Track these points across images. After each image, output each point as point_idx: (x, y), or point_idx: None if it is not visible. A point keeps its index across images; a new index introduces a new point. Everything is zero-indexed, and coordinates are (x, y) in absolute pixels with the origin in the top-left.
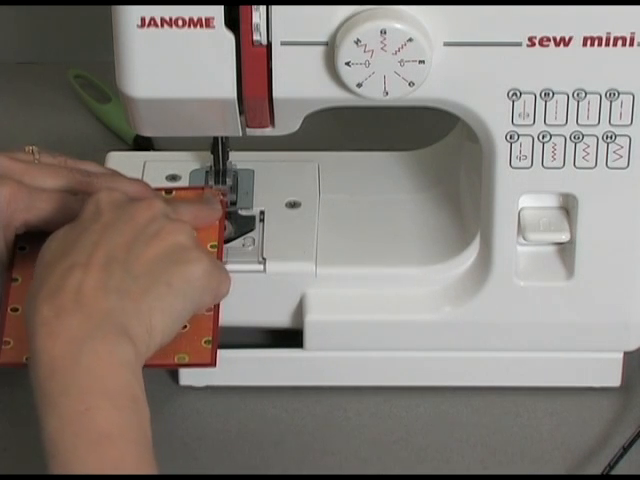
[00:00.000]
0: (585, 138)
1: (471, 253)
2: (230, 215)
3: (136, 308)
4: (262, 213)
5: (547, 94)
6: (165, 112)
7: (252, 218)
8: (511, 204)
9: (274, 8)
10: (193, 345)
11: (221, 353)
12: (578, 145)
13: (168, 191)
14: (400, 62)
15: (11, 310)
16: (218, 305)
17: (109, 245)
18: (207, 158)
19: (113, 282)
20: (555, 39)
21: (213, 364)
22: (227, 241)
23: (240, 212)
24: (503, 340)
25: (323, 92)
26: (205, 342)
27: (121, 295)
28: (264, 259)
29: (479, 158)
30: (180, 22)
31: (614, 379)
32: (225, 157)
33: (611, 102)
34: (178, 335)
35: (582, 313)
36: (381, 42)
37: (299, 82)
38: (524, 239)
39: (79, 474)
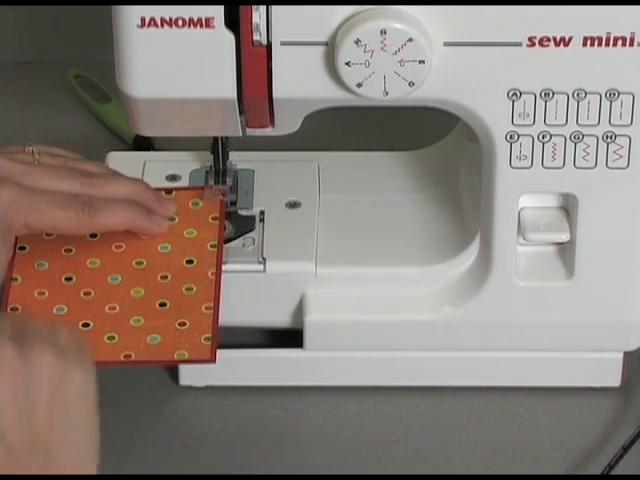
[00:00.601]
0: (585, 138)
1: (471, 253)
2: (230, 215)
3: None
4: (262, 213)
5: (547, 94)
6: (165, 112)
7: (252, 218)
8: (511, 204)
9: (274, 8)
10: (193, 342)
11: (221, 353)
12: (578, 145)
13: (168, 191)
14: (400, 62)
15: (11, 309)
16: (218, 303)
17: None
18: (207, 158)
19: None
20: (555, 39)
21: (213, 360)
22: (227, 241)
23: (240, 212)
24: (503, 340)
25: (323, 92)
26: (204, 339)
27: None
28: (264, 259)
29: (479, 158)
30: (180, 22)
31: (614, 379)
32: (225, 157)
33: (611, 102)
34: (178, 333)
35: (582, 313)
36: (381, 42)
37: (299, 82)
38: (524, 239)
39: (80, 474)
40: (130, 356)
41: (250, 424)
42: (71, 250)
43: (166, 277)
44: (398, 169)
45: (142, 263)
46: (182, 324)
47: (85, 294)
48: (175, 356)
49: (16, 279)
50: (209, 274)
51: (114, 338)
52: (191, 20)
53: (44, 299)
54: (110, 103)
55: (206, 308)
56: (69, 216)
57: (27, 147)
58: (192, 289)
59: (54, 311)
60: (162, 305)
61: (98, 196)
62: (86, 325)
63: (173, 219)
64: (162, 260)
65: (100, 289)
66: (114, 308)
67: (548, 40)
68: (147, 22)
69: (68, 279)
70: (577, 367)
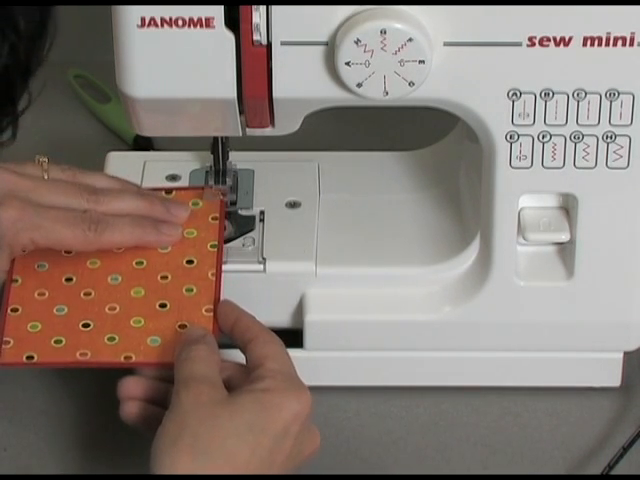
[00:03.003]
0: (585, 138)
1: (471, 253)
2: (230, 215)
3: None
4: (262, 213)
5: (547, 94)
6: (165, 112)
7: (252, 218)
8: (511, 204)
9: (274, 8)
10: None
11: (221, 353)
12: (578, 145)
13: (168, 191)
14: (400, 62)
15: (11, 311)
16: (218, 305)
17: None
18: (207, 158)
19: None
20: (555, 39)
21: None
22: (227, 241)
23: (240, 212)
24: (503, 340)
25: (323, 92)
26: None
27: None
28: (264, 259)
29: (479, 158)
30: (180, 22)
31: (614, 379)
32: (225, 157)
33: (611, 102)
34: (178, 335)
35: (582, 313)
36: (381, 42)
37: (299, 82)
38: (524, 239)
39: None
40: (130, 358)
41: None
42: (71, 251)
43: (166, 277)
44: (398, 169)
45: (142, 263)
46: (182, 326)
47: (85, 294)
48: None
49: (16, 280)
50: (209, 274)
51: (114, 339)
52: (191, 20)
53: (44, 299)
54: (110, 103)
55: (206, 310)
56: (75, 234)
57: (37, 158)
58: (192, 290)
59: (54, 311)
60: (162, 306)
61: (106, 212)
62: (86, 325)
63: None
64: (162, 260)
65: (100, 289)
66: (114, 308)
67: (548, 40)
68: (147, 22)
69: (68, 280)
70: (577, 367)
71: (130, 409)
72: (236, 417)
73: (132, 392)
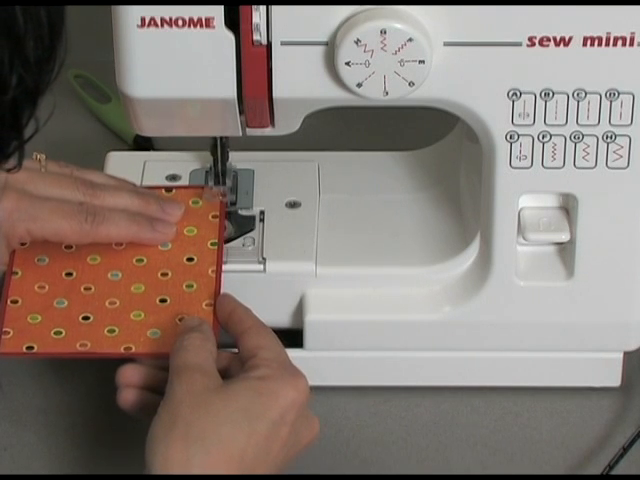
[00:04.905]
0: (585, 138)
1: (471, 253)
2: (230, 215)
3: None
4: (262, 213)
5: (547, 94)
6: (165, 112)
7: (252, 218)
8: (511, 204)
9: (274, 8)
10: None
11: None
12: (578, 145)
13: (168, 189)
14: (400, 62)
15: (11, 302)
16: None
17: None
18: (207, 158)
19: None
20: (555, 39)
21: None
22: (227, 241)
23: (240, 212)
24: (503, 340)
25: (323, 92)
26: None
27: None
28: (264, 259)
29: (479, 158)
30: (180, 22)
31: (614, 379)
32: (225, 157)
33: (611, 102)
34: (178, 327)
35: (582, 313)
36: (381, 42)
37: (299, 82)
38: (524, 239)
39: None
40: (130, 348)
41: None
42: (71, 246)
43: (166, 274)
44: (398, 169)
45: (142, 260)
46: (182, 319)
47: (85, 289)
48: None
49: (16, 273)
50: (209, 272)
51: (114, 331)
52: (191, 20)
53: (44, 293)
54: (110, 103)
55: (206, 305)
56: (71, 225)
57: (35, 154)
58: (192, 286)
59: (54, 304)
60: (162, 301)
61: (101, 206)
62: (86, 318)
63: None
64: (162, 258)
65: (100, 284)
66: (114, 303)
67: (548, 40)
68: (147, 22)
69: (68, 274)
70: (577, 367)
71: (127, 396)
72: (230, 404)
73: (130, 379)
